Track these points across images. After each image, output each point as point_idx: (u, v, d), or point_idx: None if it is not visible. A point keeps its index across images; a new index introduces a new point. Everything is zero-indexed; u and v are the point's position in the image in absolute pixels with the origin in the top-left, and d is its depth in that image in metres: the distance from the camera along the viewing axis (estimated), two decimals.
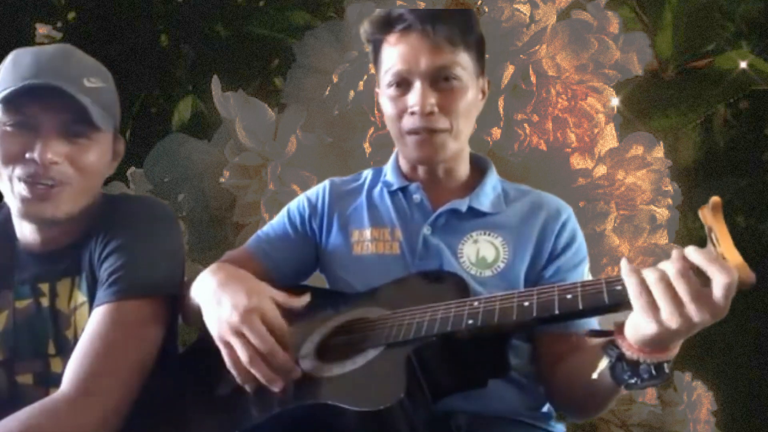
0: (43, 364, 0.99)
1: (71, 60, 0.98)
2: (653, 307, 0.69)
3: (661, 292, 0.68)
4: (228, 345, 0.85)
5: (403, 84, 0.94)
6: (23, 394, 0.98)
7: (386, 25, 0.96)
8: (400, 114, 0.95)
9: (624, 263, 0.71)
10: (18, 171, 0.94)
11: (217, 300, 0.88)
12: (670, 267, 0.68)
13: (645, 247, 1.48)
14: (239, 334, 0.83)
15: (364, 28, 0.99)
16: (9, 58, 0.98)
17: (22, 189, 0.95)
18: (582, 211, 1.41)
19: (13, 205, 0.97)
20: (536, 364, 0.93)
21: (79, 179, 0.97)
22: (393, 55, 0.95)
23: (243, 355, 0.83)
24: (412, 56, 0.93)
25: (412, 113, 0.93)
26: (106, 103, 0.99)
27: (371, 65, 1.04)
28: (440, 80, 0.93)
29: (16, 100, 0.93)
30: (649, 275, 0.69)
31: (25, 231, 1.01)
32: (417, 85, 0.93)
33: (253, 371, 0.83)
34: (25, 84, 0.92)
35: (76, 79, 0.96)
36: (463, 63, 0.94)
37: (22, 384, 0.99)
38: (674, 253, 0.70)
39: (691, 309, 0.67)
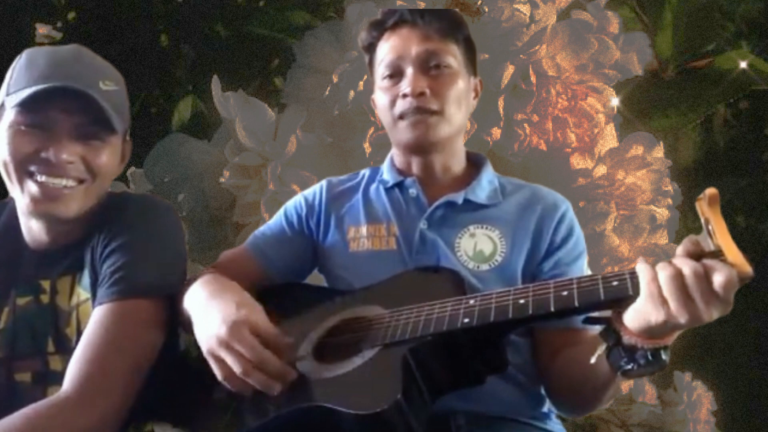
0: (42, 362, 0.99)
1: (86, 62, 0.99)
2: (664, 303, 0.68)
3: (673, 289, 0.68)
4: (218, 359, 0.84)
5: (396, 74, 0.98)
6: (21, 392, 0.98)
7: (379, 25, 1.01)
8: (393, 101, 0.97)
9: (641, 259, 0.72)
10: (32, 170, 0.95)
11: (206, 314, 0.88)
12: (686, 265, 0.68)
13: (645, 247, 1.48)
14: (229, 348, 0.82)
15: (360, 38, 1.04)
16: (22, 58, 0.98)
17: (33, 188, 0.95)
18: (582, 211, 1.41)
19: (23, 203, 0.97)
20: (535, 359, 0.94)
21: (91, 180, 0.98)
22: (385, 48, 0.99)
23: (236, 367, 0.82)
24: (403, 45, 0.97)
25: (404, 96, 0.96)
26: (119, 106, 1.00)
27: None
28: (431, 67, 0.97)
29: (32, 102, 0.94)
30: (662, 272, 0.69)
31: (32, 229, 1.01)
32: (409, 71, 0.97)
33: (249, 381, 0.82)
34: (48, 86, 0.93)
35: (92, 81, 0.96)
36: (453, 53, 0.98)
37: (20, 382, 0.99)
38: (680, 248, 0.70)
39: (702, 308, 0.67)
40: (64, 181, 0.95)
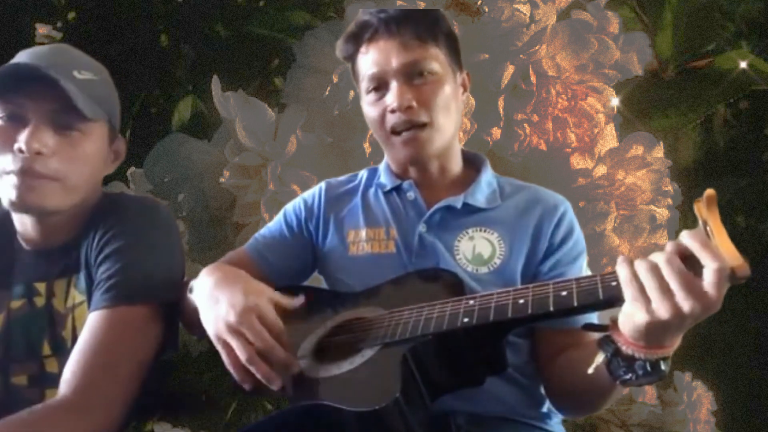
0: (37, 365, 0.98)
1: (63, 54, 0.99)
2: (644, 296, 0.69)
3: (650, 280, 0.68)
4: (225, 344, 0.85)
5: (380, 87, 0.96)
6: (17, 395, 0.97)
7: (355, 38, 0.99)
8: (382, 115, 0.96)
9: (620, 258, 0.71)
10: (6, 163, 0.94)
11: (215, 299, 0.88)
12: (660, 256, 0.69)
13: (645, 247, 1.48)
14: (237, 333, 0.83)
15: (338, 49, 1.02)
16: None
17: (11, 180, 0.94)
18: (582, 211, 1.41)
19: (5, 198, 0.97)
20: (534, 359, 0.94)
21: (69, 174, 0.96)
22: (367, 62, 0.97)
23: (242, 354, 0.82)
24: (383, 58, 0.95)
25: (392, 111, 0.95)
26: (97, 95, 0.98)
27: None
28: (415, 76, 0.95)
29: (4, 91, 0.94)
30: (640, 265, 0.69)
31: (25, 227, 1.01)
32: (393, 85, 0.95)
33: (252, 370, 0.83)
34: (10, 64, 0.93)
35: (65, 69, 0.96)
36: (435, 56, 0.96)
37: (16, 385, 0.98)
38: (667, 245, 0.70)
39: (680, 297, 0.67)
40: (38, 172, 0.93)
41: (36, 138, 0.93)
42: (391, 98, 0.95)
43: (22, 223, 1.01)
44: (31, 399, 0.93)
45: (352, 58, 1.00)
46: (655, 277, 0.68)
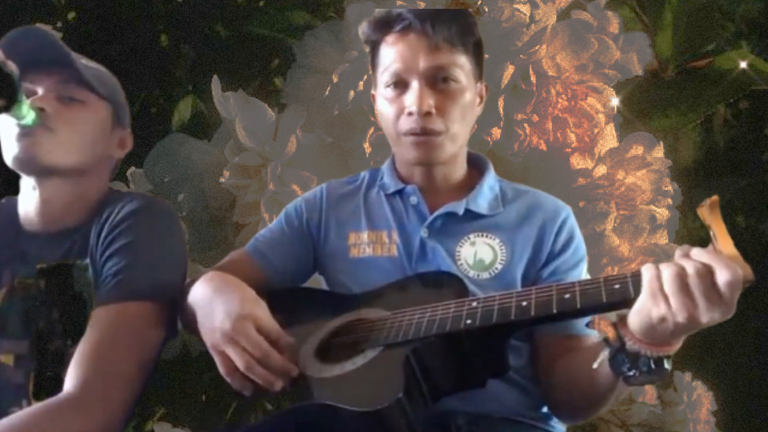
0: (27, 347, 0.99)
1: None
2: (663, 293, 0.69)
3: (676, 287, 0.68)
4: (222, 354, 0.84)
5: (400, 84, 0.94)
6: (1, 373, 0.98)
7: (385, 25, 0.96)
8: (398, 115, 0.95)
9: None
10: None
11: (210, 309, 0.88)
12: (690, 266, 0.68)
13: (645, 247, 1.48)
14: (233, 342, 0.83)
15: (362, 30, 0.99)
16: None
17: (16, 136, 0.97)
18: (582, 211, 1.41)
19: (9, 156, 0.99)
20: (535, 364, 0.93)
21: (64, 131, 0.99)
22: (391, 54, 0.94)
23: (239, 362, 0.82)
24: (410, 55, 0.93)
25: (410, 113, 0.93)
26: (100, 78, 1.03)
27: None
28: (438, 81, 0.93)
29: (24, 68, 0.96)
30: (666, 270, 0.69)
31: (27, 210, 1.02)
32: (414, 85, 0.93)
33: (251, 377, 0.82)
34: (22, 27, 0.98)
35: (74, 54, 1.01)
36: (462, 65, 0.94)
37: (2, 364, 0.98)
38: (678, 251, 0.71)
39: (704, 309, 0.67)
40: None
41: (38, 99, 0.98)
42: (410, 100, 0.93)
43: (25, 206, 1.03)
44: (12, 380, 0.95)
45: (374, 43, 0.98)
46: (681, 283, 0.68)
